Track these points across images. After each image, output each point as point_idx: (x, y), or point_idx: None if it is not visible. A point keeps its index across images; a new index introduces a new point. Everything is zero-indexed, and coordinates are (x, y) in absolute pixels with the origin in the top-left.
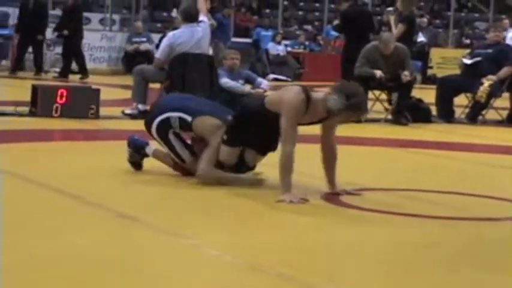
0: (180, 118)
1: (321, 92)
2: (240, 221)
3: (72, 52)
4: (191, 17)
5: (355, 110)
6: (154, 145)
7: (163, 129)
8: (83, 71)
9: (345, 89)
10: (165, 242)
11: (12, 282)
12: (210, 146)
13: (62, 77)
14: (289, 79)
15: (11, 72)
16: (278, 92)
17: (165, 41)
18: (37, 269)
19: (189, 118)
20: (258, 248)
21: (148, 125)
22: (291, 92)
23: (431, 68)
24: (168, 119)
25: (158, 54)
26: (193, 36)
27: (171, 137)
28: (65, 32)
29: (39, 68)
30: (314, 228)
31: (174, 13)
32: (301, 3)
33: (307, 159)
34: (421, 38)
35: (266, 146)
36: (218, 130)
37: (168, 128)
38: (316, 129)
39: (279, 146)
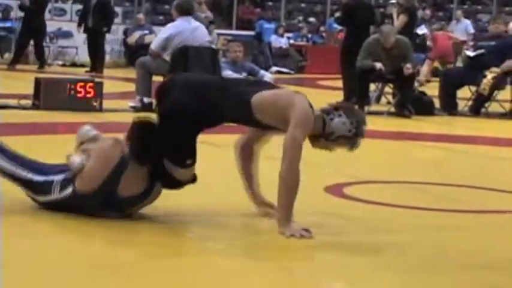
0: None
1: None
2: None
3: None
4: (186, 10)
5: (357, 140)
6: None
7: None
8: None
9: (354, 114)
10: None
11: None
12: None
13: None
14: (291, 72)
15: (10, 65)
16: (277, 95)
17: (161, 33)
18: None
19: None
20: None
21: None
22: (303, 102)
23: (434, 61)
24: None
25: (153, 45)
26: (189, 28)
27: None
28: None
29: (42, 61)
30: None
31: None
32: None
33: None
34: (423, 30)
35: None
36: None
37: None
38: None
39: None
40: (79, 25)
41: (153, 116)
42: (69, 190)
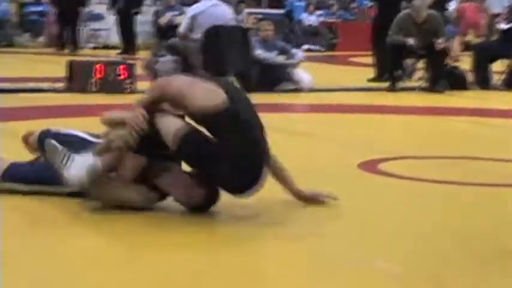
0: None
1: None
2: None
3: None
4: None
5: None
6: None
7: None
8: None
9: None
10: None
11: None
12: None
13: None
14: (322, 49)
15: (58, 50)
16: None
17: (186, 16)
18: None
19: None
20: None
21: None
22: None
23: (466, 35)
24: None
25: (180, 28)
26: (211, 8)
27: None
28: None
29: (75, 44)
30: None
31: None
32: None
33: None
34: (455, 4)
35: None
36: None
37: None
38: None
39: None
40: (110, 7)
41: None
42: None
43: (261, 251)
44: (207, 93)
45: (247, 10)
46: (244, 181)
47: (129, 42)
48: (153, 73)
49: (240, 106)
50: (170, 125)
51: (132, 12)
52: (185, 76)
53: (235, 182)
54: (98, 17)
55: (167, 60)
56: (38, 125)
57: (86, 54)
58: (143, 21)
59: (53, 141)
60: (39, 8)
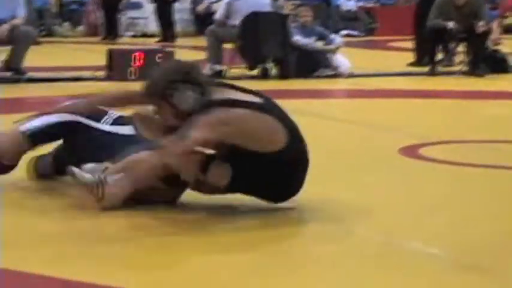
0: None
1: None
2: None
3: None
4: None
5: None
6: None
7: None
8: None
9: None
10: None
11: None
12: None
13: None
14: (362, 34)
15: (103, 39)
16: None
17: (222, 3)
18: None
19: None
20: None
21: None
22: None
23: (506, 17)
24: None
25: (216, 15)
26: None
27: None
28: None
29: (115, 33)
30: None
31: None
32: None
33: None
34: None
35: None
36: None
37: None
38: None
39: None
40: None
41: None
42: None
43: (306, 247)
44: (269, 136)
45: None
46: (290, 191)
47: (167, 30)
48: (161, 99)
49: (298, 142)
50: None
51: (170, 0)
52: (240, 111)
53: (282, 194)
54: (136, 6)
55: (185, 91)
56: None
57: (124, 42)
58: (181, 8)
59: (77, 171)
60: None
